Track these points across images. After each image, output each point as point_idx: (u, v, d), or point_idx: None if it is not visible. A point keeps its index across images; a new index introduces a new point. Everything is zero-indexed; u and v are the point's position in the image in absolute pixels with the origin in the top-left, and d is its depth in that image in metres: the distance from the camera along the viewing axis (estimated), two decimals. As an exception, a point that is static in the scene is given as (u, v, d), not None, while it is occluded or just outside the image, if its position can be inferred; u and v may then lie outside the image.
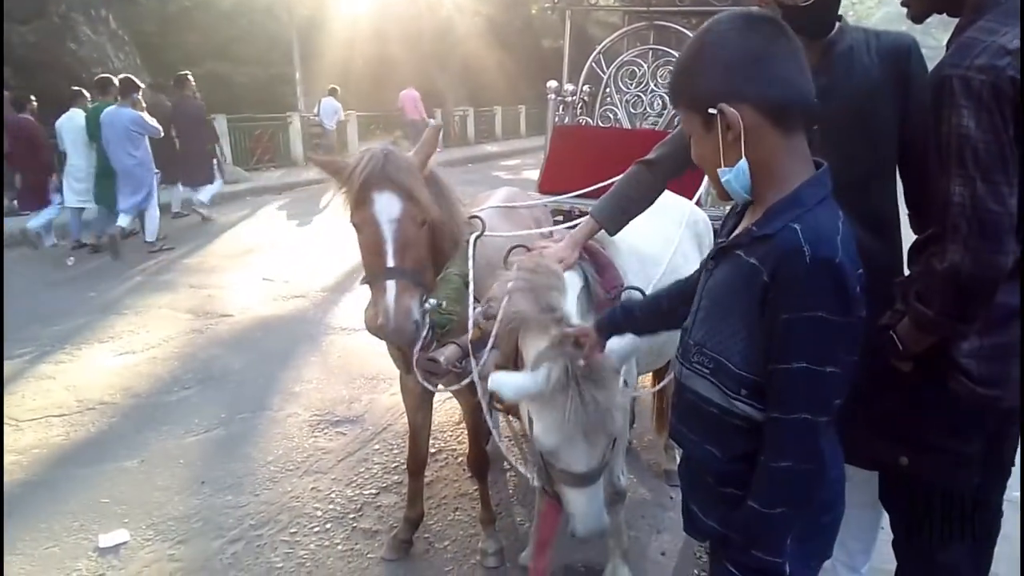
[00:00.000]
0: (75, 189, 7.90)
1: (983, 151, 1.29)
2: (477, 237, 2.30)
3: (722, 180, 1.20)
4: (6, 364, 4.68)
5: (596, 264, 2.07)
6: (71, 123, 7.83)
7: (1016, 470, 1.67)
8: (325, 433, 3.81)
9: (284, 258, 7.64)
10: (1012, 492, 2.15)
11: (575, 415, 1.51)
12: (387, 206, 2.03)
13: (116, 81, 7.85)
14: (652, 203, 2.14)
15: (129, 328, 5.45)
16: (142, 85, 8.21)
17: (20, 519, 3.02)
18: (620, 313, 1.62)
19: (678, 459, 3.25)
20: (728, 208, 1.41)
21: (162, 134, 8.01)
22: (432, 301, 2.11)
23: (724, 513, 1.26)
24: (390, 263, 2.02)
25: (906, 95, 1.75)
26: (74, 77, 11.83)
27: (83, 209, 8.08)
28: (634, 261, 2.30)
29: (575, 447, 1.55)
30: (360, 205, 2.05)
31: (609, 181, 3.05)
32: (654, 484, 3.25)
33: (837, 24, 1.79)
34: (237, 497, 3.19)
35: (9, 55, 11.39)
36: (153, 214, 7.96)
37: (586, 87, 4.43)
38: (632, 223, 2.40)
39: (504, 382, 1.58)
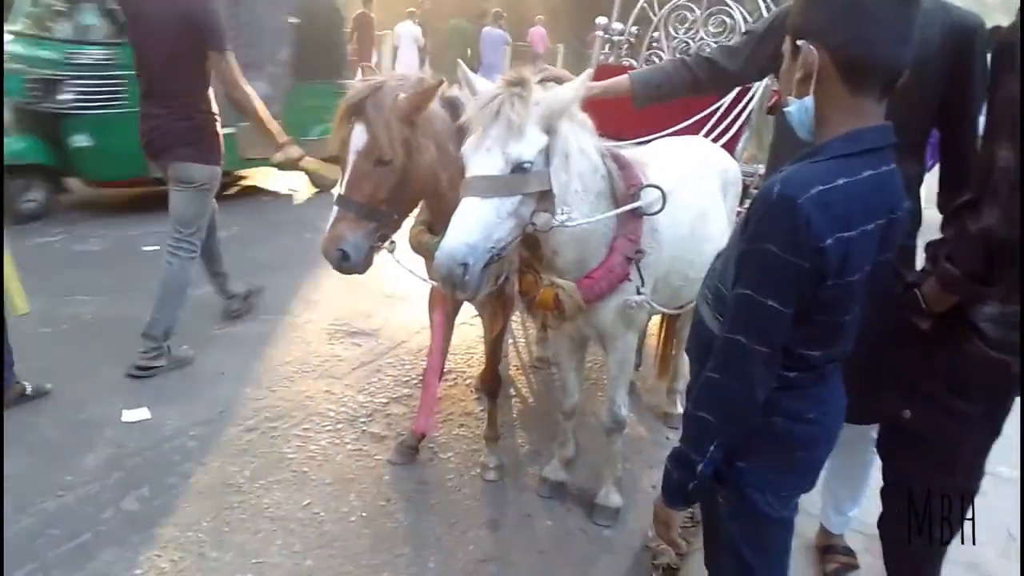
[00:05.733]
0: None
1: None
2: None
3: (787, 108, 1.24)
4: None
5: (618, 163, 2.16)
6: (406, 30, 12.04)
7: (1016, 452, 1.74)
8: (341, 342, 3.93)
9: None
10: (998, 467, 2.24)
11: (488, 113, 1.74)
12: (356, 137, 2.07)
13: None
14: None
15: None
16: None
17: (53, 394, 3.16)
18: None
19: (679, 405, 3.33)
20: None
21: None
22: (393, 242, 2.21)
23: None
24: (340, 191, 2.11)
25: (964, 73, 1.70)
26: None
27: None
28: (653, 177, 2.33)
29: (477, 151, 1.78)
30: (339, 129, 2.10)
31: (647, 139, 3.04)
32: (654, 425, 3.36)
33: None
34: (255, 391, 3.33)
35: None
36: None
37: (635, 28, 4.34)
38: (663, 158, 2.43)
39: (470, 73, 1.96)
